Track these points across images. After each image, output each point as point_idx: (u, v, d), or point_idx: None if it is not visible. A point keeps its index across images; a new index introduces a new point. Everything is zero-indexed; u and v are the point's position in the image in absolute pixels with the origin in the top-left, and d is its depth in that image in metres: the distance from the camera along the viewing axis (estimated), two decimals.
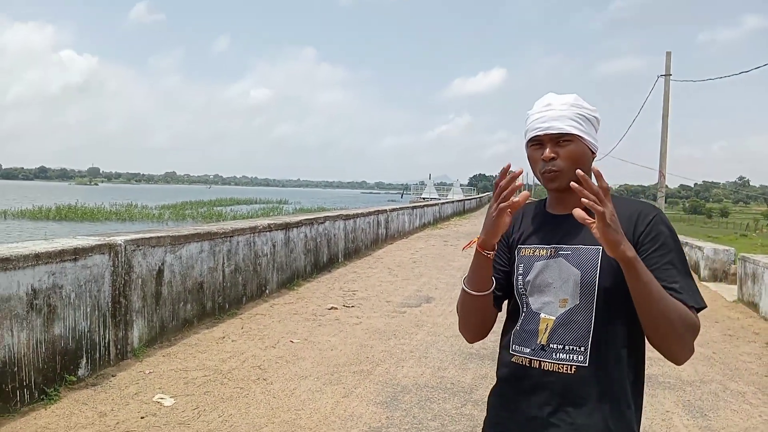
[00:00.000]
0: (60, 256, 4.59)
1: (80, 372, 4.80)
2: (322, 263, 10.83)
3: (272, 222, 8.65)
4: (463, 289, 1.71)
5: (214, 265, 6.88)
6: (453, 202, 36.59)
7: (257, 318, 7.19)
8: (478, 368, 5.53)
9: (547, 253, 1.68)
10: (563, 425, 1.59)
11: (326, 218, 10.95)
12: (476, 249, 1.61)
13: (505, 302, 1.81)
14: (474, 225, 26.79)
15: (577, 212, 1.43)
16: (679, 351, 1.52)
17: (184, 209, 48.27)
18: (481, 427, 1.81)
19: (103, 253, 5.07)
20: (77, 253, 4.77)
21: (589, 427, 1.57)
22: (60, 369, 4.59)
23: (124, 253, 5.31)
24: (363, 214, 13.65)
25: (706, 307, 1.56)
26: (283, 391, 4.79)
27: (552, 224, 1.73)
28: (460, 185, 54.73)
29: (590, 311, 1.60)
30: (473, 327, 1.78)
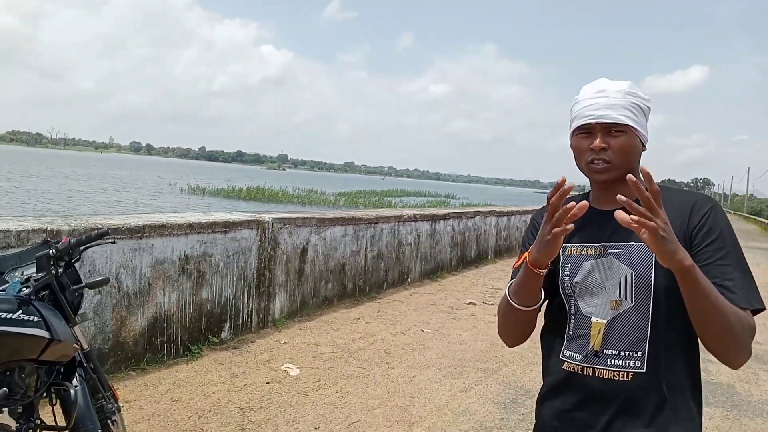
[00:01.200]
0: (211, 227, 5.04)
1: (223, 335, 5.24)
2: (469, 258, 10.73)
3: (418, 213, 8.74)
4: (507, 299, 1.59)
5: (356, 249, 7.12)
6: None
7: (395, 304, 7.32)
8: None
9: (595, 252, 1.56)
10: None
11: (476, 213, 10.82)
12: (527, 265, 1.48)
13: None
14: None
15: (619, 215, 1.30)
16: (735, 356, 1.43)
17: (358, 197, 50.44)
18: None
19: (252, 228, 5.47)
20: (227, 226, 5.20)
21: None
22: (204, 330, 5.05)
23: (271, 230, 5.69)
24: (519, 212, 13.27)
25: (764, 308, 1.45)
26: (402, 376, 4.83)
27: (599, 221, 1.58)
28: None
29: (646, 313, 1.49)
30: (514, 334, 1.69)
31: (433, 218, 8.94)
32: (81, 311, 2.84)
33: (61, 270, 2.64)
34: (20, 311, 2.35)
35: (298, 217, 6.08)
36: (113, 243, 3.21)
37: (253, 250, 5.51)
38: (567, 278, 1.59)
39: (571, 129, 1.58)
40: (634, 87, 1.55)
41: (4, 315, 2.30)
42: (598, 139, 1.50)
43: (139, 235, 4.41)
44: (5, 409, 2.39)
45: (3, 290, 2.46)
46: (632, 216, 1.28)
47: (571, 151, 1.62)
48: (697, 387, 1.54)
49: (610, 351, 1.51)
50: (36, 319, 2.39)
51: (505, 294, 1.62)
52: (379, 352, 5.40)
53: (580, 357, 1.55)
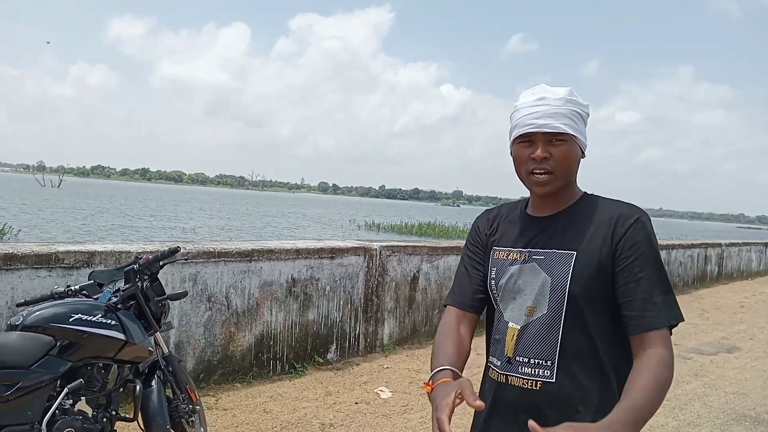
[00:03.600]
0: (318, 253, 5.40)
1: (329, 356, 5.53)
2: None
3: None
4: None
5: None
6: None
7: None
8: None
9: (520, 257, 1.57)
10: None
11: None
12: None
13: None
14: None
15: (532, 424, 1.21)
16: None
17: None
18: None
19: (359, 255, 5.75)
20: (334, 252, 5.53)
21: None
22: (310, 350, 5.38)
23: (378, 257, 5.93)
24: (682, 246, 12.14)
25: (682, 320, 1.43)
26: None
27: (528, 227, 1.60)
28: None
29: (558, 321, 1.47)
30: None
31: None
32: (166, 320, 3.26)
33: (147, 283, 3.09)
34: (100, 315, 2.79)
35: (408, 246, 6.25)
36: (186, 260, 3.66)
37: (360, 276, 5.77)
38: (493, 281, 1.61)
39: (512, 137, 1.57)
40: (574, 94, 1.54)
41: (85, 317, 2.76)
42: (539, 149, 1.49)
43: (248, 258, 4.88)
44: (83, 398, 2.84)
45: (96, 299, 2.94)
46: None
47: (513, 161, 1.60)
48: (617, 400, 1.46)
49: (521, 358, 1.51)
50: (114, 323, 2.82)
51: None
52: (479, 383, 5.32)
53: (499, 363, 1.58)
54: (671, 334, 1.41)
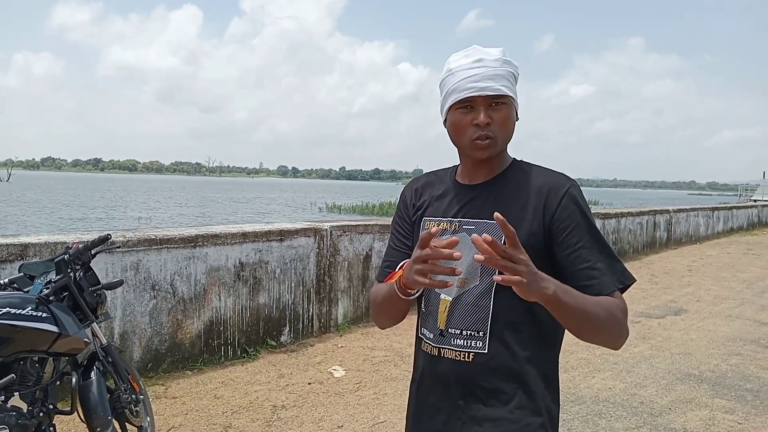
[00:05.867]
0: (266, 236, 5.33)
1: (283, 338, 5.50)
2: None
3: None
4: (379, 296, 1.56)
5: None
6: None
7: None
8: (687, 391, 4.71)
9: (450, 227, 1.52)
10: (465, 417, 1.48)
11: None
12: (398, 285, 1.43)
13: None
14: None
15: (477, 239, 1.20)
16: (613, 344, 1.45)
17: None
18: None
19: (309, 236, 5.71)
20: (283, 235, 5.47)
21: (493, 418, 1.45)
22: (263, 333, 5.33)
23: (329, 238, 5.89)
24: (631, 214, 12.42)
25: (634, 281, 1.45)
26: None
27: (458, 195, 1.55)
28: None
29: (490, 292, 1.44)
30: (387, 317, 1.62)
31: None
32: (103, 310, 3.17)
33: (80, 273, 2.99)
34: (30, 308, 2.69)
35: (359, 225, 6.23)
36: (119, 248, 3.57)
37: (311, 257, 5.74)
38: None
39: (448, 104, 1.49)
40: (507, 54, 1.49)
41: (14, 311, 2.65)
42: (482, 114, 1.43)
43: (192, 244, 4.78)
44: (16, 393, 2.74)
45: (27, 291, 2.83)
46: (495, 259, 1.19)
47: (448, 129, 1.53)
48: (552, 363, 1.50)
49: (453, 330, 1.48)
50: (45, 315, 2.72)
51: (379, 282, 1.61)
52: None
53: (431, 336, 1.53)
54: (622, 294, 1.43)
